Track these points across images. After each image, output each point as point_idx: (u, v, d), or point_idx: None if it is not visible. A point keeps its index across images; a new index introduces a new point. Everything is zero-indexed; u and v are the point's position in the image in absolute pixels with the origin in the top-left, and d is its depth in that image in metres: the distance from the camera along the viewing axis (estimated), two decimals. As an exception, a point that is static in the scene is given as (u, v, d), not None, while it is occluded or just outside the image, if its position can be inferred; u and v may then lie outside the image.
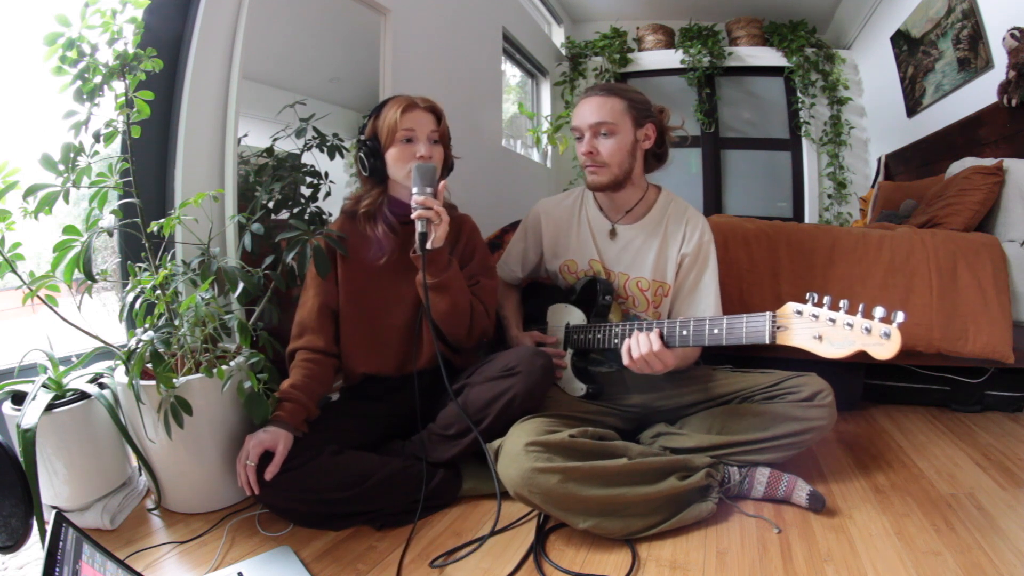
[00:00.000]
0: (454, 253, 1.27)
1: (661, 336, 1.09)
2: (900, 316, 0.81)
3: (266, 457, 1.04)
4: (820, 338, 0.89)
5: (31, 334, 1.15)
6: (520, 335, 1.40)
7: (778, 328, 0.94)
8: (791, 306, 0.93)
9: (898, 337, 0.81)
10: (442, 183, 1.15)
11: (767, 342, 0.95)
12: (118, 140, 1.08)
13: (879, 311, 0.83)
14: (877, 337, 0.83)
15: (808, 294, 0.91)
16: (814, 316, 0.90)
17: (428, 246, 1.11)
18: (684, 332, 1.07)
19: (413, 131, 1.20)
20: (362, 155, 1.24)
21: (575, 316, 1.32)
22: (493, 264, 1.37)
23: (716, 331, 1.03)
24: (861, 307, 0.86)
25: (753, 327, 0.98)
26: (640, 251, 1.33)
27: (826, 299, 0.90)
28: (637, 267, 1.33)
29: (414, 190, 1.12)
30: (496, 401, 1.14)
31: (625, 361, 1.12)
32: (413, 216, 1.11)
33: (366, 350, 1.26)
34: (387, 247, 1.24)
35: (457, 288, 1.18)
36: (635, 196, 1.34)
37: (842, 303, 0.87)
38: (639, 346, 1.09)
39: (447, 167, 1.30)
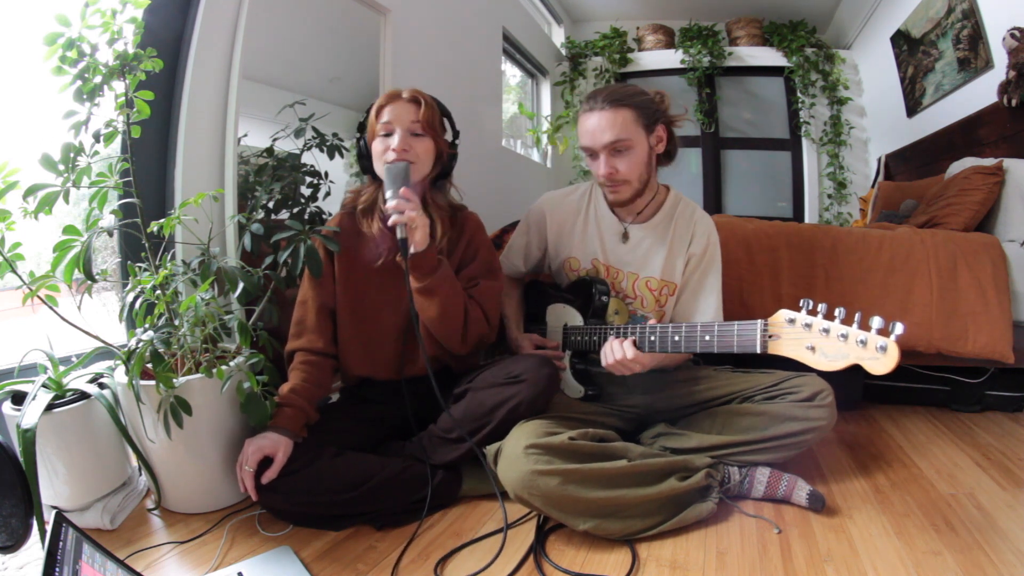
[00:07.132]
0: (455, 253, 1.25)
1: (635, 344, 1.11)
2: (899, 328, 0.75)
3: (265, 463, 1.04)
4: (813, 349, 0.85)
5: (31, 334, 1.14)
6: (520, 336, 1.39)
7: (770, 337, 0.91)
8: (783, 314, 0.89)
9: (895, 351, 0.76)
10: (412, 182, 1.10)
11: (758, 351, 0.92)
12: (118, 140, 1.08)
13: (876, 321, 0.78)
14: (873, 351, 0.78)
15: (802, 300, 0.86)
16: (807, 326, 0.86)
17: (411, 250, 1.07)
18: (676, 338, 1.06)
19: (390, 124, 1.13)
20: (357, 153, 1.23)
21: (573, 317, 1.32)
22: (498, 265, 1.31)
23: (707, 338, 1.01)
24: (857, 316, 0.80)
25: (744, 335, 0.95)
26: (650, 251, 1.32)
27: (821, 307, 0.85)
28: (647, 267, 1.32)
29: (387, 193, 1.07)
30: (500, 408, 1.13)
31: (604, 363, 1.14)
32: (388, 223, 1.06)
33: (362, 352, 1.24)
34: (383, 246, 1.20)
35: (447, 292, 1.13)
36: (648, 198, 1.33)
37: (838, 311, 0.83)
38: (612, 352, 1.12)
39: (442, 159, 1.21)
